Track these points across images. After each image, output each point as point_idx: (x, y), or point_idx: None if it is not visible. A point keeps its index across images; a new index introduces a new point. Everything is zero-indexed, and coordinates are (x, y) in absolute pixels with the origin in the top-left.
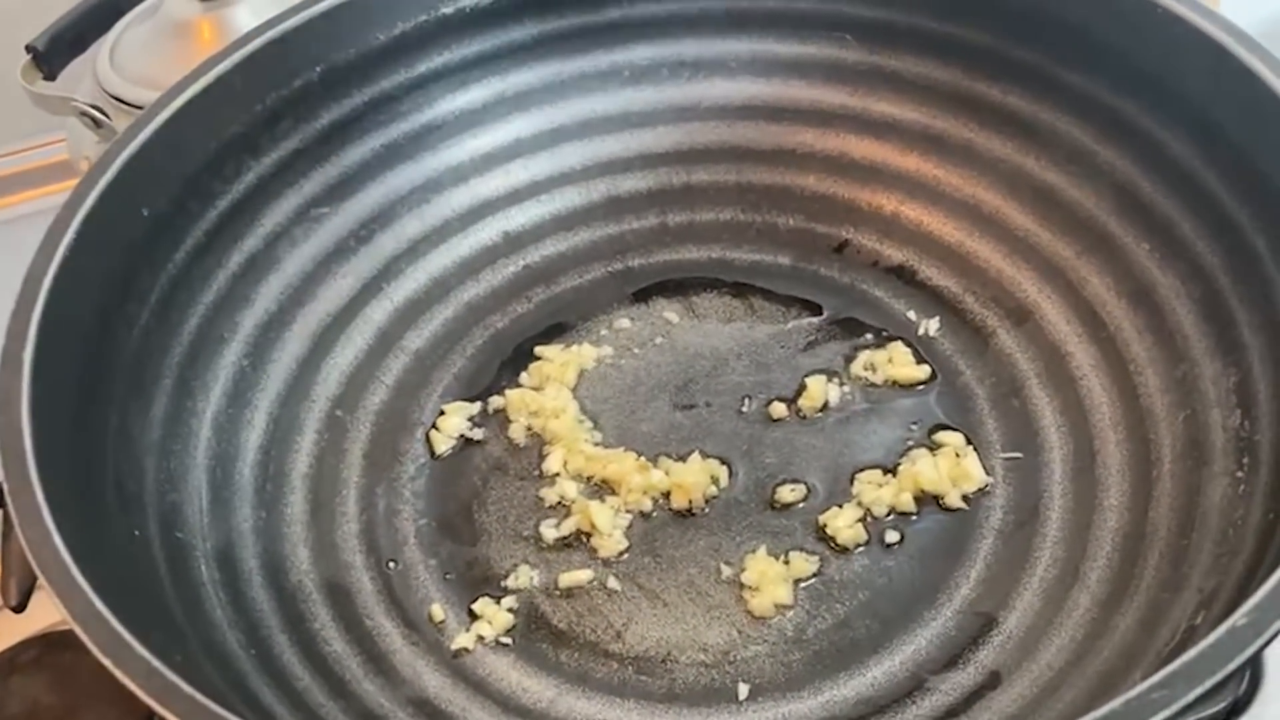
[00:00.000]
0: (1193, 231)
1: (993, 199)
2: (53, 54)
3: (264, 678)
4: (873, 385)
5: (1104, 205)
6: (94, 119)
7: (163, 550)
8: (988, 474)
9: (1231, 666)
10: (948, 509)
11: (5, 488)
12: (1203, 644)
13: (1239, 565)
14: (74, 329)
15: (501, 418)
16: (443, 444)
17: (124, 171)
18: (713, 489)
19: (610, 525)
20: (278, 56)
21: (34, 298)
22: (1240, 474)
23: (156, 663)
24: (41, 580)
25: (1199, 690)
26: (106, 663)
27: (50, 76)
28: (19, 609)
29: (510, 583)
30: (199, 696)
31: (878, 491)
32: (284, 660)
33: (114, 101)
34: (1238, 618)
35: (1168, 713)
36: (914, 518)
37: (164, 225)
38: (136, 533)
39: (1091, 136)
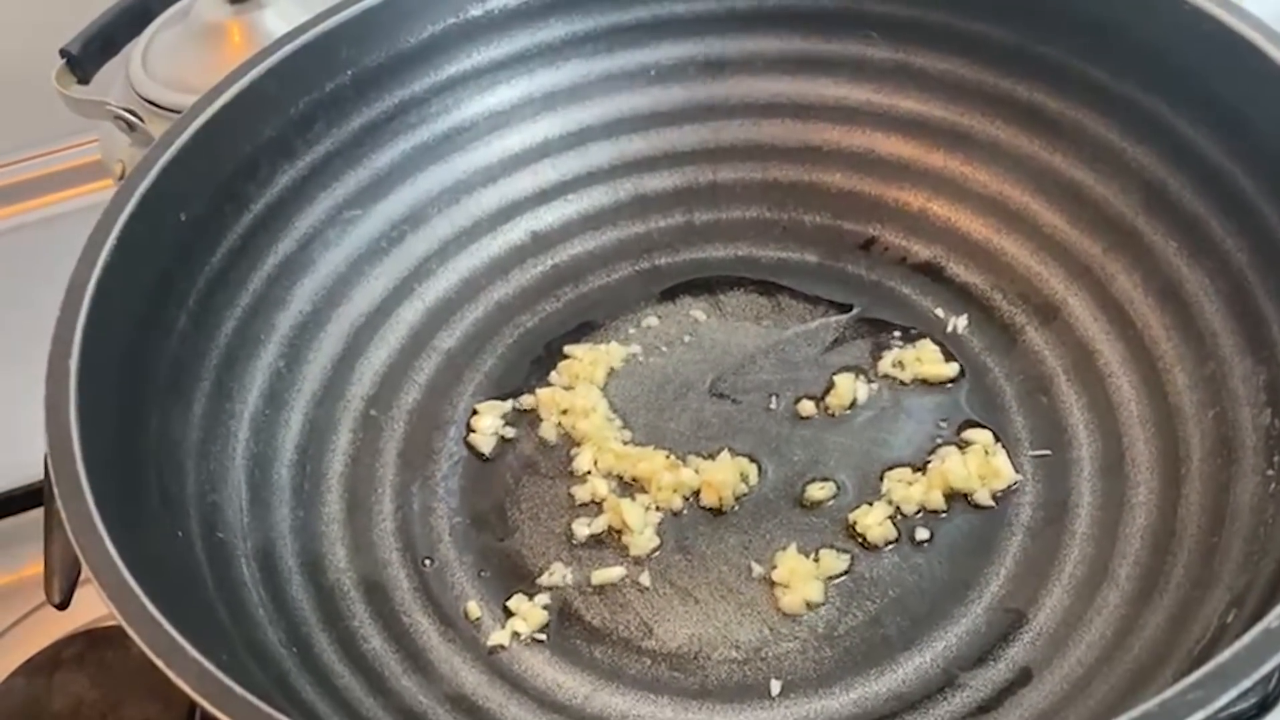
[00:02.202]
0: (1220, 228)
1: (1019, 196)
2: (86, 58)
3: (305, 675)
4: (901, 383)
5: (1131, 202)
6: (128, 122)
7: (205, 551)
8: (1017, 471)
9: (1267, 667)
10: (977, 506)
11: (56, 492)
12: (1238, 644)
13: (1270, 564)
14: (116, 335)
15: (532, 416)
16: (484, 444)
17: (161, 177)
18: (742, 487)
19: (641, 523)
20: (311, 60)
21: (78, 306)
22: (1271, 472)
23: (208, 664)
24: (95, 585)
25: (1234, 691)
26: (160, 664)
27: (84, 81)
28: (62, 606)
29: (544, 580)
30: (250, 697)
31: (907, 489)
32: (324, 658)
33: (147, 104)
34: (1272, 618)
35: (1204, 713)
36: (943, 515)
37: (201, 229)
38: (179, 534)
39: (1118, 133)
